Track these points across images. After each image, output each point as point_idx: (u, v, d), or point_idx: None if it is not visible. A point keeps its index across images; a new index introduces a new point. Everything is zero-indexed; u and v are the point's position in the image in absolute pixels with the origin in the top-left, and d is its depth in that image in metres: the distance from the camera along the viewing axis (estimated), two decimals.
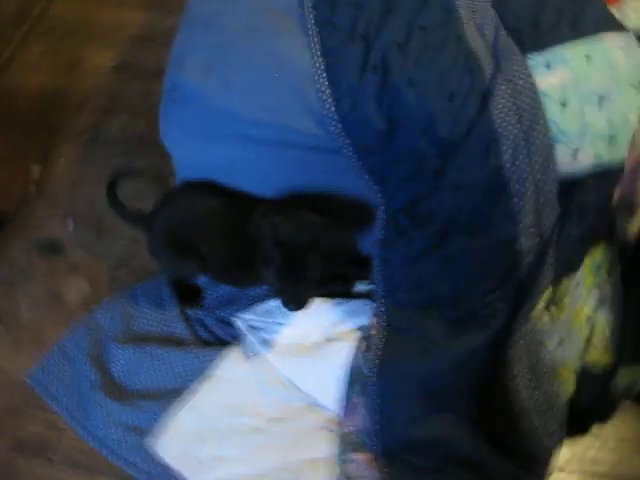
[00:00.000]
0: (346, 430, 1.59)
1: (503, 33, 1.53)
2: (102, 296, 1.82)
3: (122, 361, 1.70)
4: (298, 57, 1.55)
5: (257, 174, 1.69)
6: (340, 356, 1.64)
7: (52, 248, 1.91)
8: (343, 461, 1.57)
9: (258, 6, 1.64)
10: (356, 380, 1.61)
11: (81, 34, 2.38)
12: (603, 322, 1.56)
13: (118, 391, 1.67)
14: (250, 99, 1.55)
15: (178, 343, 1.72)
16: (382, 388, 1.57)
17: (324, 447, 1.58)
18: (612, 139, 1.43)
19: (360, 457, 1.56)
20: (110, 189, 1.78)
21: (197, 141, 1.65)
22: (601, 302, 1.56)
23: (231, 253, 1.68)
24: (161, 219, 1.71)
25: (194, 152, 1.69)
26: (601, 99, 1.43)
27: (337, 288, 1.77)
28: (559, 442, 1.54)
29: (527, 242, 1.48)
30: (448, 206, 1.50)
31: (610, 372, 1.54)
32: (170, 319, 1.76)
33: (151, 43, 2.35)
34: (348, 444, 1.58)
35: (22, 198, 1.98)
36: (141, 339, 1.73)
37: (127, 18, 2.43)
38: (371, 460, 1.55)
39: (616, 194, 1.48)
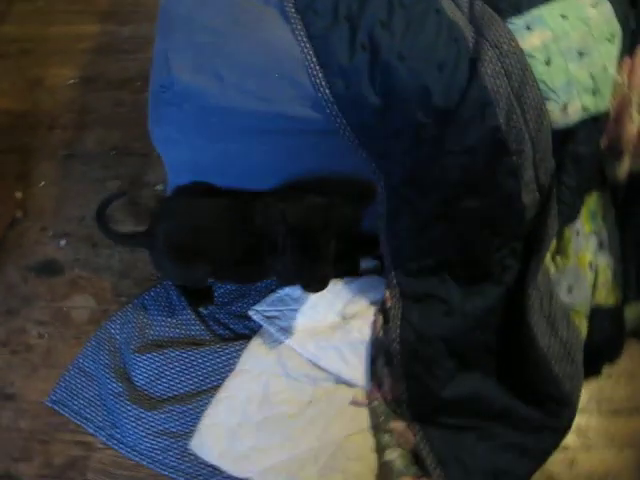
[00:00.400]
0: (376, 402, 1.63)
1: (479, 2, 1.60)
2: (109, 310, 1.81)
3: (143, 369, 1.69)
4: (285, 45, 1.57)
5: (255, 168, 1.70)
6: (359, 332, 1.68)
7: (49, 269, 1.88)
8: (378, 432, 1.61)
9: (235, 1, 1.66)
10: (379, 352, 1.66)
11: (38, 52, 2.34)
12: (604, 265, 1.65)
13: (145, 399, 1.66)
14: (243, 91, 1.55)
15: (197, 344, 1.73)
16: (406, 356, 1.62)
17: (357, 422, 1.62)
18: (596, 91, 1.50)
19: (393, 426, 1.60)
20: (100, 220, 1.75)
21: (193, 140, 1.65)
22: (600, 247, 1.65)
23: (239, 251, 1.69)
24: (162, 231, 1.69)
25: (189, 152, 1.69)
26: (581, 54, 1.51)
27: (345, 267, 1.81)
28: (579, 385, 1.62)
29: (528, 197, 1.55)
30: (451, 171, 1.55)
31: (618, 310, 1.63)
32: (184, 321, 1.76)
33: (111, 54, 2.33)
34: (380, 415, 1.62)
35: (10, 224, 1.94)
36: (159, 345, 1.73)
37: (81, 31, 2.40)
38: (404, 427, 1.59)
39: (604, 142, 1.57)
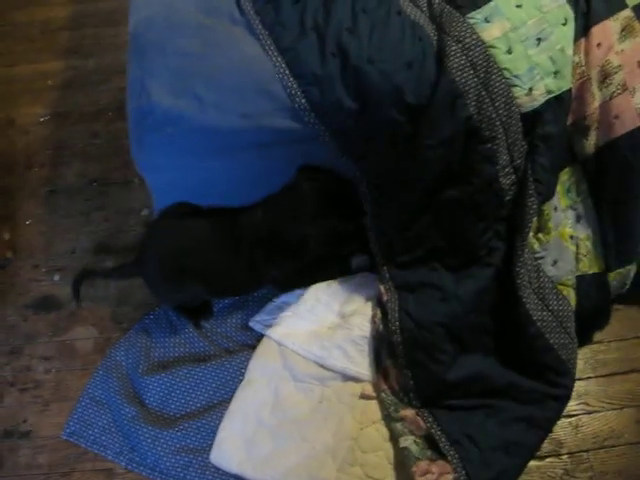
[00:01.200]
0: (384, 394, 1.68)
1: (437, 0, 1.67)
2: (112, 337, 1.83)
3: (154, 391, 1.72)
4: (258, 60, 1.62)
5: (240, 182, 1.74)
6: (360, 328, 1.73)
7: (47, 305, 1.89)
8: (389, 422, 1.66)
9: (203, 23, 1.70)
10: (381, 345, 1.72)
11: (5, 94, 2.34)
12: (584, 236, 1.73)
13: (159, 419, 1.69)
14: (223, 110, 1.60)
15: (203, 359, 1.76)
16: (407, 345, 1.68)
17: (369, 415, 1.67)
18: (557, 73, 1.59)
19: (403, 414, 1.65)
20: (75, 289, 1.80)
21: (178, 162, 1.69)
22: (578, 220, 1.73)
23: (230, 266, 1.74)
24: (150, 256, 1.73)
25: (175, 174, 1.73)
26: (539, 40, 1.59)
27: (337, 268, 1.86)
28: (574, 353, 1.69)
29: (506, 180, 1.63)
30: (429, 164, 1.62)
31: (602, 277, 1.72)
32: (187, 339, 1.79)
33: (79, 88, 2.35)
34: (389, 405, 1.67)
35: (2, 266, 1.95)
36: (166, 366, 1.75)
37: (46, 69, 2.41)
38: (414, 415, 1.65)
39: (569, 120, 1.65)
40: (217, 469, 1.62)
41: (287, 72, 1.60)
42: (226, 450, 1.64)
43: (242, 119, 1.61)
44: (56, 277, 1.94)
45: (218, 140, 1.64)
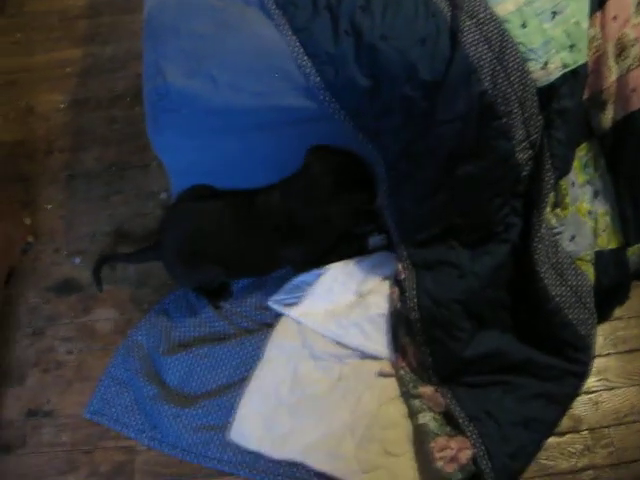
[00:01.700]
0: (402, 371, 1.69)
1: None
2: (132, 318, 1.86)
3: (174, 370, 1.74)
4: (272, 40, 1.62)
5: (257, 163, 1.76)
6: (377, 306, 1.74)
7: (68, 288, 1.92)
8: (408, 399, 1.67)
9: (216, 5, 1.71)
10: (399, 323, 1.72)
11: (24, 82, 2.38)
12: (602, 212, 1.72)
13: (180, 398, 1.71)
14: (237, 89, 1.61)
15: (222, 339, 1.78)
16: (425, 322, 1.69)
17: (387, 392, 1.69)
18: (572, 46, 1.57)
19: (422, 391, 1.66)
20: (96, 275, 1.83)
21: (194, 143, 1.71)
22: (595, 195, 1.72)
23: (247, 247, 1.75)
24: (168, 240, 1.75)
25: (191, 156, 1.75)
26: (554, 14, 1.57)
27: (354, 247, 1.87)
28: (594, 329, 1.69)
29: (522, 155, 1.62)
30: (444, 140, 1.61)
31: (621, 252, 1.70)
32: (207, 319, 1.81)
33: (97, 75, 2.37)
34: (408, 382, 1.68)
35: (24, 250, 1.98)
36: (186, 345, 1.78)
37: (64, 57, 2.44)
38: (433, 391, 1.65)
39: (586, 94, 1.64)
40: (237, 446, 1.64)
41: (301, 51, 1.61)
42: (245, 427, 1.65)
43: (256, 98, 1.62)
44: (77, 260, 1.97)
45: (233, 120, 1.65)
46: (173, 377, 1.74)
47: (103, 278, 1.86)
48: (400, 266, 1.75)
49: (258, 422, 1.65)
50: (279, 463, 1.62)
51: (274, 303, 1.81)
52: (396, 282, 1.75)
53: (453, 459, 1.53)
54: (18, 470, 1.68)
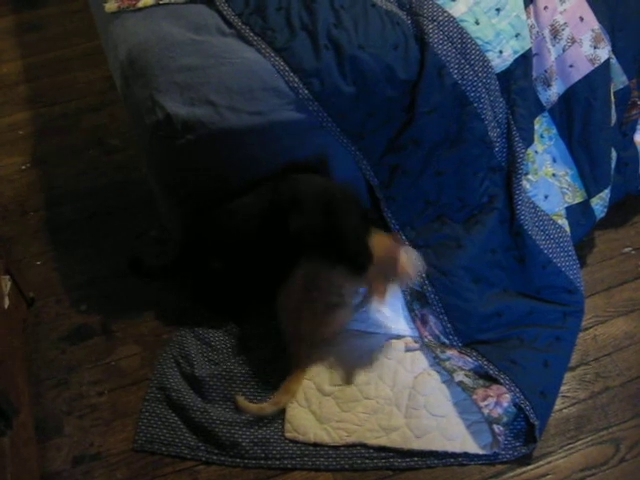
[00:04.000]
0: (426, 340, 1.84)
1: None
2: (155, 351, 1.87)
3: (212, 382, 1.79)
4: (258, 62, 1.76)
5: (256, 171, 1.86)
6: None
7: (81, 334, 1.90)
8: (438, 362, 1.81)
9: (196, 39, 1.80)
10: (413, 299, 1.89)
11: None
12: (563, 173, 1.98)
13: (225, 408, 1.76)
14: (237, 111, 1.73)
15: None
16: (439, 293, 1.86)
17: (418, 363, 1.82)
18: (518, 35, 1.85)
19: (449, 354, 1.82)
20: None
21: (197, 167, 1.81)
22: (554, 160, 1.98)
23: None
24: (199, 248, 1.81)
25: (197, 180, 1.84)
26: (498, 10, 1.85)
27: None
28: (579, 272, 1.92)
29: (493, 133, 1.87)
30: (427, 129, 1.83)
31: (586, 204, 1.97)
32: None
33: (51, 133, 2.40)
34: (434, 349, 1.83)
35: (28, 304, 1.96)
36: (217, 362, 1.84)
37: (13, 120, 2.45)
38: (458, 353, 1.81)
39: (534, 75, 1.91)
40: (295, 442, 1.71)
41: (287, 68, 1.76)
42: (298, 425, 1.73)
43: (254, 117, 1.75)
44: (83, 307, 1.96)
45: (234, 140, 1.77)
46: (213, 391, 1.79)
47: (114, 316, 1.89)
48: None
49: (309, 416, 1.74)
50: (338, 449, 1.70)
51: None
52: None
53: (496, 404, 1.69)
54: None
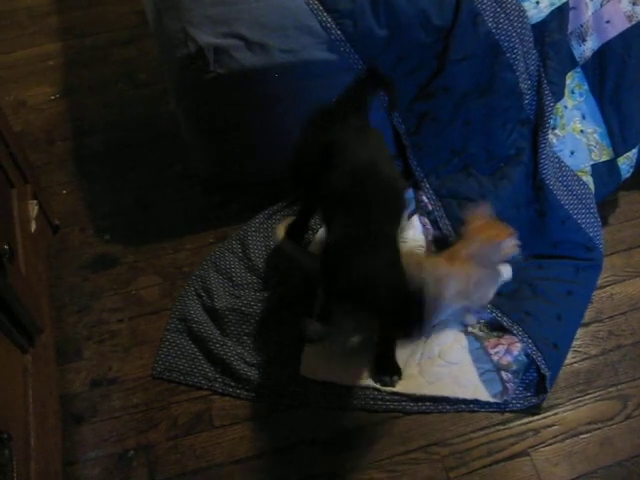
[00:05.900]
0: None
1: None
2: (175, 282, 1.91)
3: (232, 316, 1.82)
4: (292, 0, 1.76)
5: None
6: (413, 240, 1.89)
7: (104, 263, 1.94)
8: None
9: None
10: (437, 245, 1.89)
11: (9, 79, 2.36)
12: (591, 130, 1.97)
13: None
14: (268, 48, 1.73)
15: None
16: None
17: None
18: None
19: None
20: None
21: (227, 103, 1.81)
22: (583, 117, 1.97)
23: None
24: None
25: (226, 118, 1.85)
26: None
27: None
28: (600, 229, 1.92)
29: (524, 85, 1.86)
30: (458, 77, 1.83)
31: (612, 162, 1.96)
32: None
33: (81, 64, 2.41)
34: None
35: (53, 232, 1.98)
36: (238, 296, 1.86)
37: (44, 51, 2.46)
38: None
39: (569, 29, 1.88)
40: (309, 381, 1.73)
41: (321, 8, 1.75)
42: (313, 364, 1.74)
43: (285, 54, 1.75)
44: (106, 236, 2.00)
45: (264, 77, 1.77)
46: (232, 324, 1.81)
47: (136, 247, 1.94)
48: (425, 199, 1.92)
49: (325, 357, 1.76)
50: (352, 389, 1.73)
51: None
52: (425, 213, 1.92)
53: (506, 352, 1.71)
54: (96, 437, 1.68)
